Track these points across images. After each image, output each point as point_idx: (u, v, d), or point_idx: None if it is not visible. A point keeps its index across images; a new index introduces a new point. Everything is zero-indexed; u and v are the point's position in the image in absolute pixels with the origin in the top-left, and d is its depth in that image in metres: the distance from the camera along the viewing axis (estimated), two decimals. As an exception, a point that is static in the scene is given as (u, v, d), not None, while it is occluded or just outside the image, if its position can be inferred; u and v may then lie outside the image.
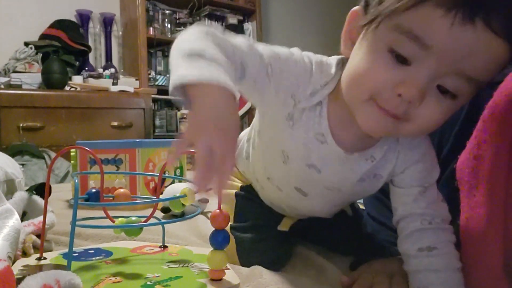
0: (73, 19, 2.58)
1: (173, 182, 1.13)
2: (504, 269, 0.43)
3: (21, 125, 2.02)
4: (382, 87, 0.44)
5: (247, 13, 3.22)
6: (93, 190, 0.65)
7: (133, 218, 0.63)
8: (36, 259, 0.62)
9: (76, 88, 2.29)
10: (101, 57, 2.73)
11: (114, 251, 0.67)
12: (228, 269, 0.58)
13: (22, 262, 0.61)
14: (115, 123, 2.29)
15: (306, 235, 0.75)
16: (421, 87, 0.42)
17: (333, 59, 0.53)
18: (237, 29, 3.14)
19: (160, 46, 2.87)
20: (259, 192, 0.67)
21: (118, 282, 0.53)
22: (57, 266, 0.58)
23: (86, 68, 2.51)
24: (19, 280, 0.45)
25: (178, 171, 1.29)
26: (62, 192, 1.35)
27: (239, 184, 0.70)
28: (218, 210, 0.54)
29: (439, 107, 0.44)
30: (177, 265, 0.60)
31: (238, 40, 0.47)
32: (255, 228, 0.65)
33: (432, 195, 0.53)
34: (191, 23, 2.95)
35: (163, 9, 2.90)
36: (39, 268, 0.58)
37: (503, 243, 0.42)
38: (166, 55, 2.95)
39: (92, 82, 2.39)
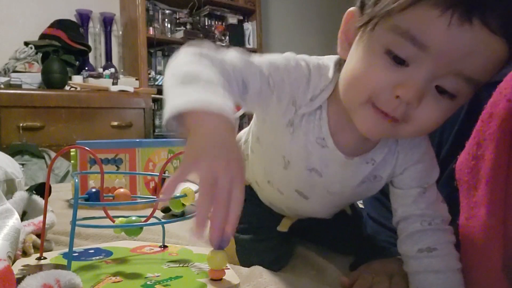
0: (73, 18, 2.58)
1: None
2: (503, 269, 0.43)
3: (21, 125, 2.02)
4: (380, 89, 0.43)
5: (247, 13, 3.22)
6: (93, 190, 0.65)
7: (133, 218, 0.63)
8: (36, 259, 0.62)
9: (76, 88, 2.29)
10: (101, 57, 2.73)
11: (114, 251, 0.67)
12: (228, 269, 0.58)
13: (22, 261, 0.61)
14: (115, 123, 2.29)
15: (305, 234, 0.75)
16: (419, 88, 0.42)
17: (330, 60, 0.52)
18: (237, 29, 3.14)
19: (160, 46, 2.87)
20: (258, 193, 0.67)
21: (118, 281, 0.53)
22: (57, 266, 0.58)
23: (86, 68, 2.52)
24: (19, 280, 0.46)
25: (178, 171, 1.29)
26: (62, 192, 1.35)
27: None
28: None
29: (437, 108, 0.43)
30: (177, 265, 0.60)
31: (232, 56, 0.47)
32: (255, 229, 0.65)
33: (431, 196, 0.53)
34: (191, 23, 2.96)
35: (163, 9, 2.90)
36: (39, 267, 0.58)
37: (502, 243, 0.42)
38: (166, 55, 2.95)
39: (92, 82, 2.39)
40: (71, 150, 1.24)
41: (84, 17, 2.61)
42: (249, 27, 3.18)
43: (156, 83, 2.77)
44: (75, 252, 0.65)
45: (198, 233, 0.34)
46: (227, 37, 3.08)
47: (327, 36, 2.95)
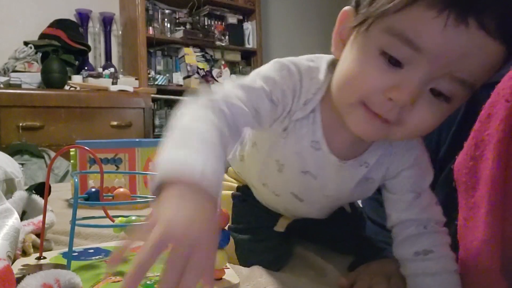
0: (73, 18, 2.58)
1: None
2: (502, 270, 0.43)
3: (20, 124, 2.02)
4: (373, 91, 0.42)
5: (247, 12, 3.22)
6: (93, 190, 0.65)
7: (133, 218, 0.63)
8: (35, 259, 0.62)
9: (75, 88, 2.29)
10: (101, 56, 2.73)
11: (113, 251, 0.67)
12: (228, 268, 0.58)
13: (21, 261, 0.61)
14: (115, 123, 2.29)
15: (304, 234, 0.75)
16: (413, 91, 0.41)
17: (322, 61, 0.51)
18: (237, 28, 3.14)
19: (159, 46, 2.87)
20: (254, 194, 0.67)
21: (118, 281, 0.53)
22: (57, 266, 0.58)
23: (86, 68, 2.52)
24: (19, 280, 0.46)
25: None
26: (61, 191, 1.35)
27: (235, 184, 0.70)
28: (217, 210, 0.54)
29: (432, 111, 0.43)
30: (177, 265, 0.60)
31: (233, 89, 0.45)
32: (253, 229, 0.65)
33: (425, 200, 0.52)
34: (190, 23, 2.96)
35: (162, 9, 2.90)
36: (39, 267, 0.59)
37: (501, 244, 0.42)
38: (165, 55, 2.95)
39: (92, 81, 2.39)
40: (71, 149, 1.24)
41: (84, 16, 2.61)
42: (249, 27, 3.18)
43: (156, 82, 2.78)
44: (74, 251, 0.65)
45: None
46: (227, 37, 3.08)
47: (327, 36, 2.92)
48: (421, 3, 0.38)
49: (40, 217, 0.69)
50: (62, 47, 2.35)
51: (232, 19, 3.14)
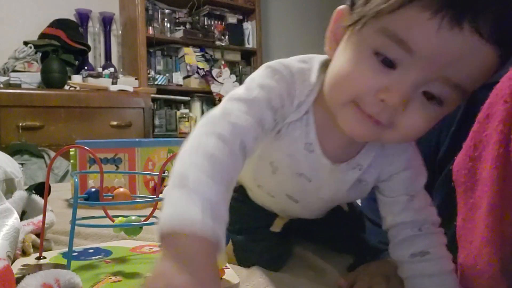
0: (73, 18, 2.58)
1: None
2: (501, 270, 0.43)
3: (20, 124, 2.02)
4: (365, 92, 0.42)
5: (247, 12, 3.23)
6: (93, 189, 0.65)
7: (133, 217, 0.63)
8: (35, 258, 0.62)
9: (75, 88, 2.29)
10: (101, 56, 2.73)
11: (113, 251, 0.67)
12: (228, 268, 0.58)
13: (21, 261, 0.61)
14: (115, 123, 2.29)
15: (303, 233, 0.75)
16: (404, 93, 0.40)
17: (314, 61, 0.50)
18: (237, 28, 3.14)
19: (159, 46, 2.87)
20: (250, 195, 0.66)
21: (118, 281, 0.53)
22: (57, 266, 0.58)
23: (86, 68, 2.52)
24: (19, 279, 0.46)
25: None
26: (61, 191, 1.36)
27: None
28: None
29: (424, 114, 0.42)
30: (176, 265, 0.60)
31: (233, 104, 0.43)
32: (250, 230, 0.65)
33: (419, 202, 0.52)
34: (190, 23, 2.96)
35: (162, 8, 2.90)
36: (39, 267, 0.59)
37: (500, 244, 0.43)
38: (165, 55, 2.95)
39: (92, 81, 2.39)
40: (71, 149, 1.24)
41: (84, 16, 2.61)
42: (249, 27, 3.18)
43: (156, 82, 2.78)
44: (74, 251, 0.65)
45: None
46: (227, 37, 3.09)
47: (327, 36, 2.95)
48: (416, 4, 0.38)
49: (40, 217, 0.69)
50: (62, 47, 2.35)
51: (232, 19, 3.14)
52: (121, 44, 2.82)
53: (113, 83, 2.43)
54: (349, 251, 0.70)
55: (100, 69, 2.56)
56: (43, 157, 1.99)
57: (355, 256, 0.68)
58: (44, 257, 0.63)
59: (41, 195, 0.84)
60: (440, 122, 0.47)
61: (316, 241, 0.74)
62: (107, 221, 0.66)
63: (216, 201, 0.34)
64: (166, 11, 2.91)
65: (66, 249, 0.63)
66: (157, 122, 2.80)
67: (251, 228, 0.65)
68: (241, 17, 3.21)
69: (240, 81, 2.97)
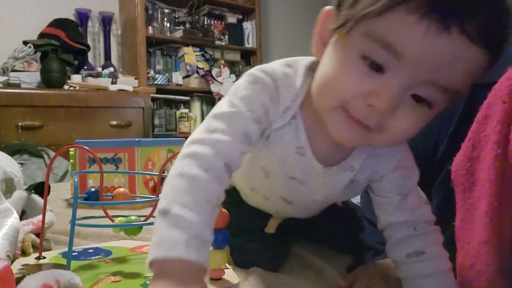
0: (72, 18, 2.58)
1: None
2: (499, 270, 0.44)
3: (20, 124, 2.02)
4: (353, 96, 0.41)
5: (246, 12, 3.22)
6: (92, 189, 0.65)
7: (133, 217, 0.63)
8: (35, 258, 0.62)
9: (75, 87, 2.29)
10: (100, 56, 2.73)
11: (113, 251, 0.67)
12: (228, 268, 0.59)
13: (21, 261, 0.61)
14: (114, 122, 2.29)
15: (301, 233, 0.75)
16: (393, 98, 0.39)
17: (298, 65, 0.49)
18: (236, 28, 3.14)
19: (159, 45, 2.87)
20: (243, 197, 0.66)
21: (118, 281, 0.53)
22: (57, 266, 0.58)
23: (85, 67, 2.52)
24: (19, 280, 0.46)
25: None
26: (61, 191, 1.36)
27: None
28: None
29: (413, 117, 0.42)
30: (176, 265, 0.60)
31: (212, 122, 0.43)
32: (245, 231, 0.65)
33: (413, 201, 0.52)
34: (190, 22, 2.96)
35: (162, 8, 2.90)
36: (39, 267, 0.59)
37: (498, 244, 0.43)
38: (165, 54, 2.95)
39: (91, 81, 2.39)
40: (70, 149, 1.24)
41: (83, 16, 2.61)
42: (249, 26, 3.18)
43: (155, 82, 2.78)
44: (74, 251, 0.65)
45: None
46: (226, 37, 3.09)
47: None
48: (403, 8, 0.37)
49: (40, 217, 0.69)
50: (62, 46, 2.35)
51: (232, 19, 3.14)
52: (121, 44, 2.82)
53: (112, 83, 2.43)
54: (348, 251, 0.70)
55: (99, 69, 2.56)
56: (42, 157, 1.99)
57: (354, 256, 0.68)
58: (44, 257, 0.63)
59: (41, 195, 0.84)
60: (439, 122, 0.47)
61: (314, 240, 0.74)
62: (107, 221, 0.66)
63: (199, 228, 0.36)
64: (166, 10, 2.91)
65: (65, 249, 0.64)
66: (156, 121, 2.80)
67: (246, 229, 0.65)
68: (241, 16, 3.21)
69: (239, 80, 2.96)
